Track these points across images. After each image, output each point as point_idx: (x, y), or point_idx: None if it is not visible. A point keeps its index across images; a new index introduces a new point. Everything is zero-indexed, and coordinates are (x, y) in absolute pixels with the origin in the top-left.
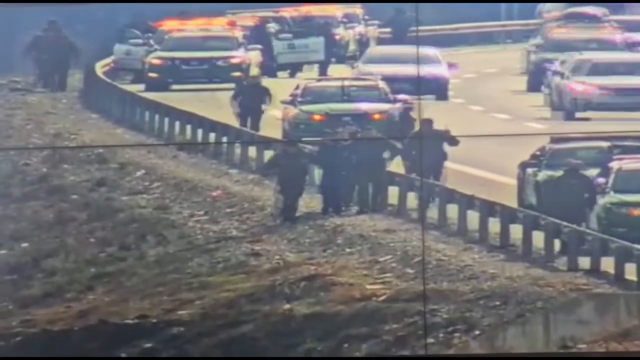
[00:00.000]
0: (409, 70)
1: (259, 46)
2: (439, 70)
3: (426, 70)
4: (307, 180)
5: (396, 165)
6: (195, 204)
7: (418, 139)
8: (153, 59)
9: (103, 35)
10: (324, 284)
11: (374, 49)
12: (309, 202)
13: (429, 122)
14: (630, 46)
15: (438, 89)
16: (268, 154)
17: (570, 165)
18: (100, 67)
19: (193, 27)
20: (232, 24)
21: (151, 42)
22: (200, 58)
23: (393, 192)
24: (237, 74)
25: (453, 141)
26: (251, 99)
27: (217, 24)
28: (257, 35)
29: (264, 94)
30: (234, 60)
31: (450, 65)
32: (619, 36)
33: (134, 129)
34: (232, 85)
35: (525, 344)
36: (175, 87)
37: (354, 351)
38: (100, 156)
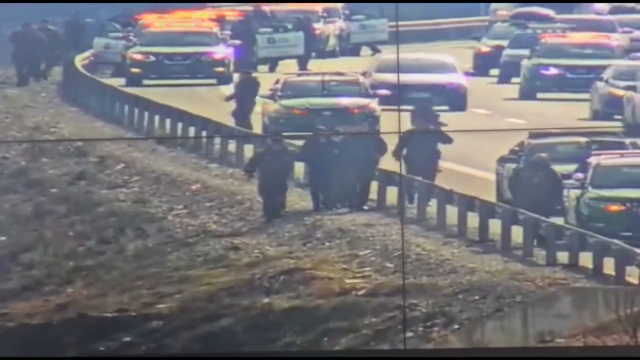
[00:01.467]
0: (427, 78)
1: (238, 41)
2: (457, 78)
3: (444, 79)
4: (290, 178)
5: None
6: (174, 198)
7: (409, 135)
8: (134, 54)
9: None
10: (303, 278)
11: (386, 57)
12: (292, 198)
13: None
14: (628, 52)
15: (456, 98)
16: (248, 148)
17: (537, 159)
18: (79, 61)
19: (172, 20)
20: (221, 17)
21: (131, 36)
22: (183, 53)
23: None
24: (220, 69)
25: (446, 139)
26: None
27: (196, 18)
28: (242, 30)
29: (257, 86)
30: (216, 56)
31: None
32: (615, 42)
33: (113, 123)
34: (214, 80)
35: (503, 338)
36: (150, 82)
37: (333, 345)
38: (80, 150)
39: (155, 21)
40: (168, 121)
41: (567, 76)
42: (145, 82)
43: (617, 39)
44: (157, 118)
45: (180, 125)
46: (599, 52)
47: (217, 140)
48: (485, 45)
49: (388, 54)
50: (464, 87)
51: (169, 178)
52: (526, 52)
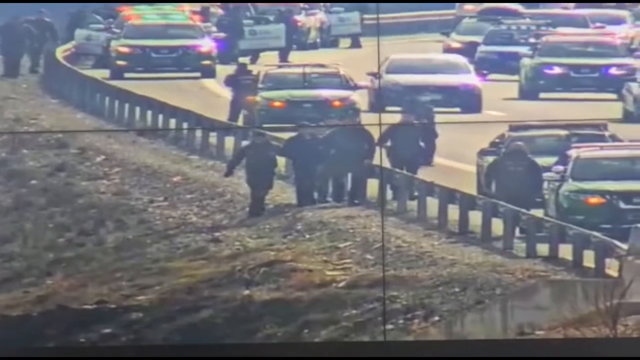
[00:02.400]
0: (440, 79)
1: (223, 34)
2: (470, 79)
3: (457, 80)
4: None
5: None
6: (155, 190)
7: (394, 128)
8: (120, 47)
9: (66, 20)
10: (284, 270)
11: (397, 58)
12: (273, 191)
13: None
14: (633, 51)
15: (470, 100)
16: (228, 140)
17: (513, 147)
18: (60, 52)
19: (151, 13)
20: (205, 10)
21: (112, 27)
22: (170, 46)
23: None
24: (207, 62)
25: (431, 134)
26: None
27: (176, 10)
28: (228, 23)
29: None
30: (203, 49)
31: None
32: (619, 40)
33: (94, 114)
34: (200, 73)
35: (483, 330)
36: (135, 74)
37: (314, 337)
38: (60, 141)
39: (135, 13)
40: (149, 113)
41: (571, 75)
42: (129, 74)
43: (620, 37)
44: (138, 110)
45: (161, 117)
46: (602, 51)
47: (198, 132)
48: (455, 41)
49: (398, 54)
50: (479, 89)
51: (149, 170)
52: (502, 48)
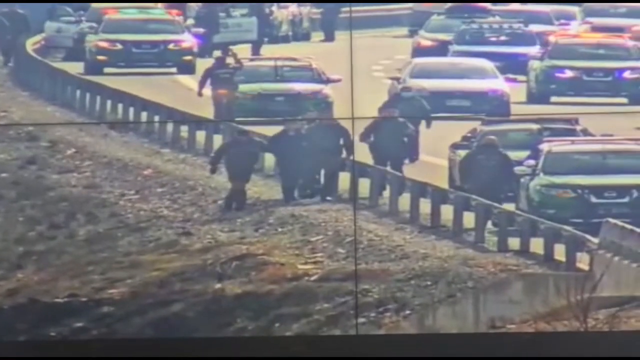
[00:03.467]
0: (468, 85)
1: (202, 29)
2: (498, 85)
3: (485, 86)
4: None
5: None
6: (126, 183)
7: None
8: (100, 42)
9: (35, 12)
10: (256, 263)
11: (420, 61)
12: (248, 186)
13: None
14: None
15: (499, 106)
16: (200, 135)
17: (485, 141)
18: (30, 45)
19: (129, 7)
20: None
21: (83, 19)
22: (151, 41)
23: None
24: (188, 58)
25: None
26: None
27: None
28: (206, 16)
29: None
30: (184, 45)
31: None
32: (631, 42)
33: (64, 107)
34: (181, 69)
35: (455, 324)
36: (113, 69)
37: (285, 331)
38: (30, 134)
39: (119, 7)
40: (120, 106)
41: (583, 79)
42: (109, 70)
43: (632, 40)
44: (109, 103)
45: (132, 111)
46: (614, 53)
47: (170, 125)
48: (425, 39)
49: (422, 59)
50: (507, 94)
51: (120, 163)
52: (477, 48)
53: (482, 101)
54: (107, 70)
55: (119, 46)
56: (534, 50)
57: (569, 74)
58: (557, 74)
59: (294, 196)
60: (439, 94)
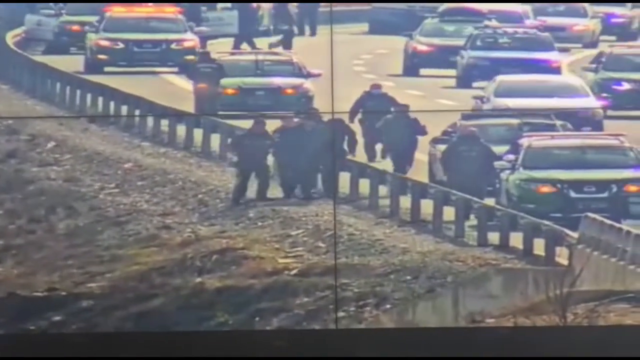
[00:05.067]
0: (557, 104)
1: (205, 28)
2: (590, 103)
3: (574, 104)
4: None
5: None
6: (106, 177)
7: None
8: (101, 40)
9: (15, 5)
10: (236, 257)
11: (505, 79)
12: (225, 178)
13: (405, 106)
14: None
15: (592, 126)
16: (180, 128)
17: (466, 132)
18: (11, 38)
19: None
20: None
21: (63, 12)
22: (153, 40)
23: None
24: (191, 57)
25: (422, 131)
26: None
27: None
28: (188, 9)
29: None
30: (187, 44)
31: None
32: None
33: (45, 101)
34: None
35: (434, 318)
36: (115, 69)
37: (265, 325)
38: (10, 128)
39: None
40: (100, 100)
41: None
42: (110, 69)
43: (578, 30)
44: (89, 97)
45: (112, 104)
46: None
47: (150, 119)
48: (422, 44)
49: (507, 76)
50: (600, 113)
51: (100, 157)
52: (493, 54)
53: (572, 121)
54: (112, 70)
55: (121, 45)
56: (553, 55)
57: (626, 86)
58: (614, 87)
59: (295, 194)
60: (527, 115)
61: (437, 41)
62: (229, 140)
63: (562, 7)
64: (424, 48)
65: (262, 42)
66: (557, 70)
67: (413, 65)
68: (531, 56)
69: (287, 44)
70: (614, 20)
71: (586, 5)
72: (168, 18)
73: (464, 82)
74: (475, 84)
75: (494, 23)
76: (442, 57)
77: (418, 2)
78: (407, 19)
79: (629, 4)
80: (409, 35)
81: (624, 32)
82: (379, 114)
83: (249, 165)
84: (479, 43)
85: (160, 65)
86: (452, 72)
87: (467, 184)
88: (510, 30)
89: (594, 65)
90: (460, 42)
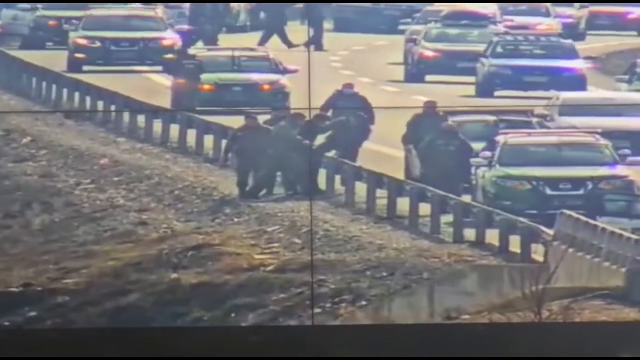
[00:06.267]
0: (626, 124)
1: (186, 26)
2: None
3: None
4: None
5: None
6: (82, 172)
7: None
8: (78, 39)
9: None
10: (212, 253)
11: (569, 96)
12: (201, 174)
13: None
14: None
15: None
16: (156, 124)
17: (444, 127)
18: None
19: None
20: None
21: (39, 6)
22: (131, 39)
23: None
24: (170, 56)
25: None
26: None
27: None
28: (165, 5)
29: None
30: (165, 42)
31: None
32: None
33: (20, 96)
34: (160, 67)
35: (410, 315)
36: (92, 67)
37: (241, 321)
38: None
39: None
40: (76, 95)
41: None
42: (88, 67)
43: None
44: (65, 92)
45: (88, 100)
46: None
47: (126, 114)
48: (428, 49)
49: (571, 94)
50: None
51: (76, 152)
52: (517, 61)
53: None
54: (89, 68)
55: (97, 44)
56: (578, 63)
57: None
58: None
59: (297, 190)
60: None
61: (441, 46)
62: (223, 141)
63: (524, 6)
64: (430, 54)
65: (240, 39)
66: (582, 79)
67: (419, 71)
68: (555, 64)
69: (265, 40)
70: (563, 20)
71: (548, 5)
72: (148, 16)
73: (484, 90)
74: (496, 93)
75: (532, 30)
76: (450, 63)
77: (418, 2)
78: (371, 17)
79: (577, 4)
80: (413, 41)
81: (572, 33)
82: (349, 112)
83: (249, 160)
84: (499, 50)
85: (138, 63)
86: (459, 78)
87: (445, 178)
88: (532, 37)
89: (627, 76)
90: (466, 47)
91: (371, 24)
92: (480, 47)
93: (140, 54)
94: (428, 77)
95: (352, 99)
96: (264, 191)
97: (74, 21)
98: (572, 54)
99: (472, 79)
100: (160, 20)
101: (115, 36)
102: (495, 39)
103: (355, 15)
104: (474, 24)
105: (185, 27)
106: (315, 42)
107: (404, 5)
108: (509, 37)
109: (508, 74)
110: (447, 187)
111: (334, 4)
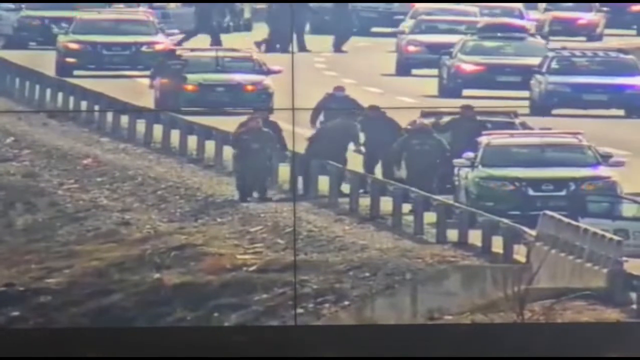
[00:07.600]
0: None
1: (177, 31)
2: None
3: None
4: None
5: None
6: (65, 172)
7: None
8: (69, 43)
9: None
10: (195, 253)
11: None
12: (184, 174)
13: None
14: None
15: None
16: (140, 124)
17: (418, 126)
18: None
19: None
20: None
21: (23, 7)
22: (122, 43)
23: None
24: (162, 60)
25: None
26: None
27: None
28: (150, 5)
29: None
30: (158, 47)
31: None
32: None
33: (3, 96)
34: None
35: (393, 315)
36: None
37: (224, 321)
38: None
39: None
40: (60, 95)
41: None
42: (79, 72)
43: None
44: (48, 91)
45: (72, 100)
46: None
47: (110, 114)
48: (466, 63)
49: None
50: None
51: (60, 152)
52: (576, 79)
53: None
54: (80, 73)
55: (89, 48)
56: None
57: None
58: None
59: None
60: None
61: (479, 59)
62: (223, 146)
63: (498, 10)
64: (470, 68)
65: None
66: None
67: (456, 86)
68: (616, 82)
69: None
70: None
71: (520, 6)
72: (139, 20)
73: (541, 109)
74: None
75: (590, 45)
76: (491, 76)
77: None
78: (347, 19)
79: (542, 6)
80: (449, 54)
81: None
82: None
83: (252, 162)
84: (555, 66)
85: (130, 68)
86: (496, 93)
87: (419, 177)
88: (589, 53)
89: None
90: (504, 60)
91: (348, 26)
92: (518, 60)
93: (132, 58)
94: (465, 92)
95: (343, 102)
96: (255, 194)
97: (63, 24)
98: (634, 71)
99: (511, 93)
100: (152, 24)
101: (107, 40)
102: (550, 54)
103: (332, 18)
104: (510, 36)
105: (176, 31)
106: (299, 43)
107: (381, 7)
108: (565, 53)
109: (567, 92)
110: (422, 186)
111: (312, 4)
